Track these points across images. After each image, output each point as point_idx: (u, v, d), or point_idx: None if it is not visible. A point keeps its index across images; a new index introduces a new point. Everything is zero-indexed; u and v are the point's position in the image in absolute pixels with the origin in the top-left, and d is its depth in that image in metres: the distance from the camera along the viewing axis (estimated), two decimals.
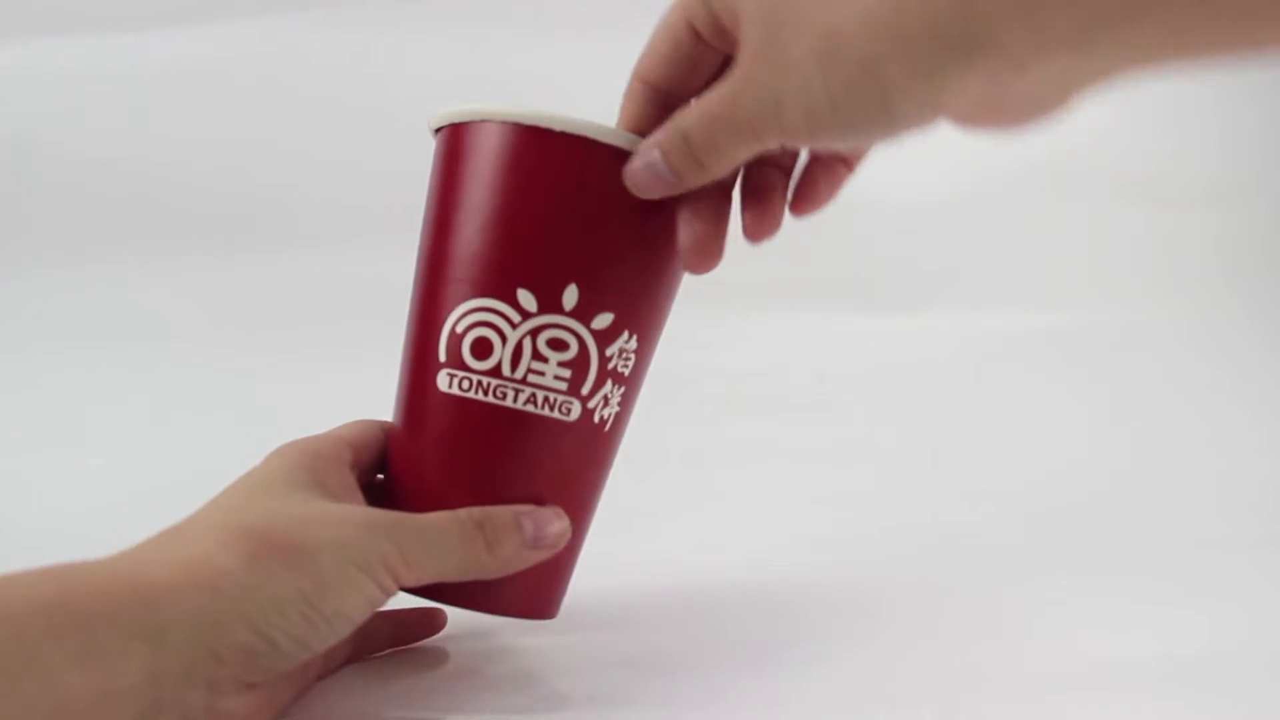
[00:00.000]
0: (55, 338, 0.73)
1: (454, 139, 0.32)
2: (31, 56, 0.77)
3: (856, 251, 0.81)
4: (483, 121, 0.31)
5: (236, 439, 0.65)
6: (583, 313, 0.31)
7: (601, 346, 0.31)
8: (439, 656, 0.37)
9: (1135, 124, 0.88)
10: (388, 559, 0.28)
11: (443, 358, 0.32)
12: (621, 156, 0.30)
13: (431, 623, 0.38)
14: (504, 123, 0.31)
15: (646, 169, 0.29)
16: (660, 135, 0.29)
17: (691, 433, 0.64)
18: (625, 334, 0.32)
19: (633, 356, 0.32)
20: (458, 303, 0.31)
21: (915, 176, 0.84)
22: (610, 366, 0.32)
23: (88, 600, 0.24)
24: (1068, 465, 0.63)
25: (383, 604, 0.29)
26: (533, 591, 0.33)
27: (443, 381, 0.32)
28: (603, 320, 0.31)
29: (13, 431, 0.67)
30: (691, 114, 0.28)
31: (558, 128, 0.30)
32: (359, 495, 0.32)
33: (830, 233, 0.82)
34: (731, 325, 0.77)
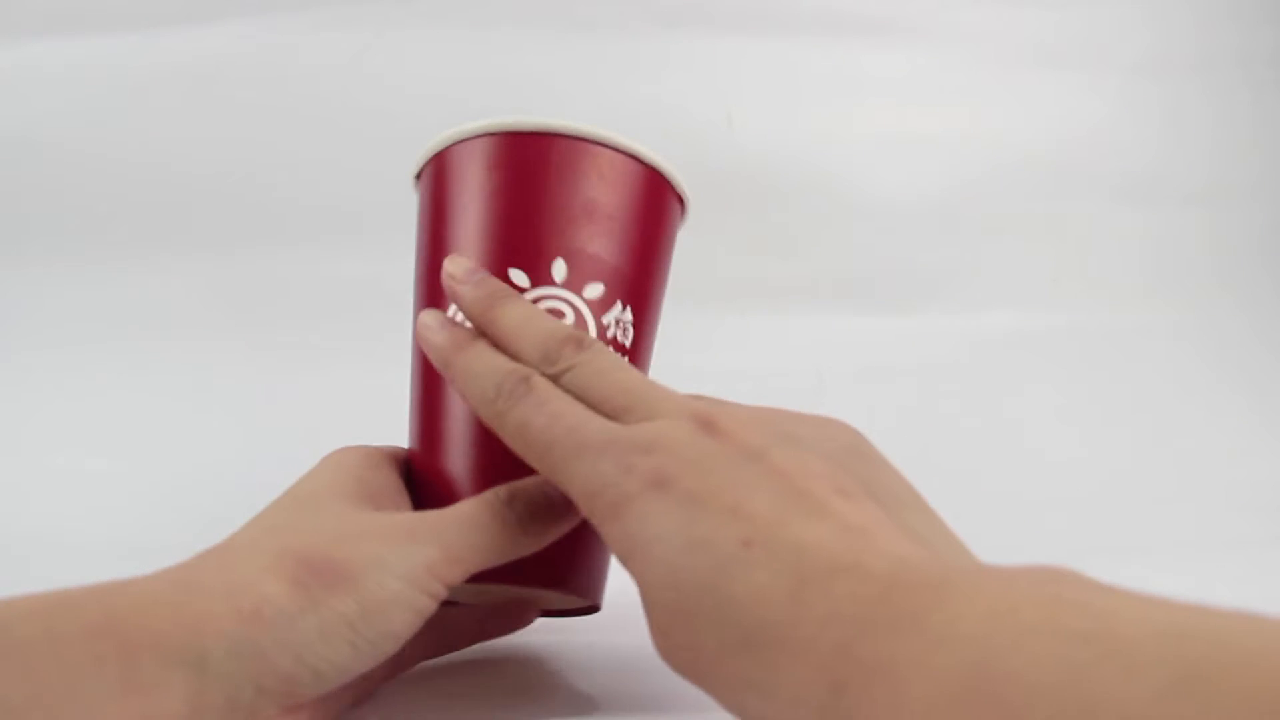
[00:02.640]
0: (55, 337, 0.73)
1: (434, 167, 0.35)
2: (31, 56, 0.77)
3: (856, 251, 0.81)
4: (458, 142, 0.34)
5: (237, 439, 0.65)
6: (574, 284, 0.32)
7: (597, 314, 0.33)
8: (451, 661, 0.37)
9: (1133, 125, 0.88)
10: (432, 564, 0.27)
11: None
12: (584, 143, 0.33)
13: (517, 617, 0.36)
14: (476, 137, 0.34)
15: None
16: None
17: None
18: (618, 304, 0.33)
19: (630, 328, 0.34)
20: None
21: (915, 176, 0.84)
22: (609, 335, 0.33)
23: (132, 627, 0.24)
24: (1065, 465, 0.63)
25: (431, 613, 0.28)
26: (569, 562, 0.33)
27: None
28: (594, 290, 0.33)
29: (12, 431, 0.67)
30: None
31: (526, 129, 0.33)
32: (405, 497, 0.32)
33: (830, 233, 0.82)
34: (731, 325, 0.77)
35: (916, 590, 0.20)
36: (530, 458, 0.27)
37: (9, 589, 0.25)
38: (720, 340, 0.75)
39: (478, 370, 0.29)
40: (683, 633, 0.23)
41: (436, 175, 0.35)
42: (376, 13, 0.79)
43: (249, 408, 0.68)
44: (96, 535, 0.51)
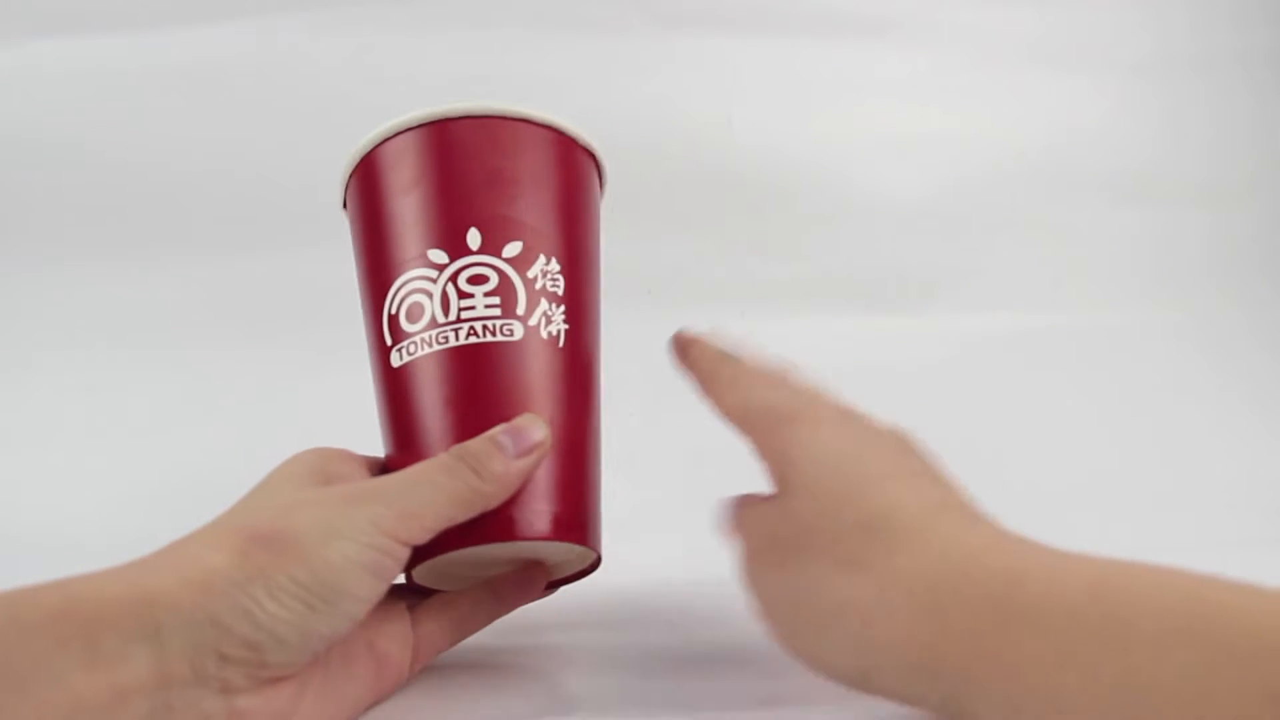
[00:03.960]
0: (54, 337, 0.73)
1: (349, 192, 0.37)
2: (31, 56, 0.77)
3: (856, 251, 0.81)
4: (357, 163, 0.36)
5: (236, 439, 0.65)
6: (491, 248, 0.34)
7: (520, 270, 0.34)
8: (458, 661, 0.37)
9: (1132, 124, 0.88)
10: (380, 521, 0.28)
11: (389, 340, 0.34)
12: (474, 120, 0.35)
13: (530, 585, 0.37)
14: (364, 155, 0.36)
15: None
16: None
17: (692, 433, 0.64)
18: (542, 258, 0.34)
19: (560, 277, 0.35)
20: (386, 291, 0.34)
21: (915, 176, 0.84)
22: (538, 287, 0.34)
23: (91, 607, 0.24)
24: (1065, 464, 0.63)
25: (392, 571, 0.28)
26: (556, 510, 0.33)
27: (395, 359, 0.34)
28: (512, 249, 0.34)
29: (12, 431, 0.67)
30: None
31: (412, 124, 0.35)
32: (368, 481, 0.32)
33: (830, 233, 0.82)
34: (731, 325, 0.77)
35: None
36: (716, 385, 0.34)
37: (7, 587, 0.25)
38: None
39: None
40: (811, 511, 0.27)
41: (352, 198, 0.37)
42: (376, 13, 0.79)
43: (249, 408, 0.68)
44: (96, 535, 0.51)
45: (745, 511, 0.30)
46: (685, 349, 0.36)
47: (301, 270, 0.75)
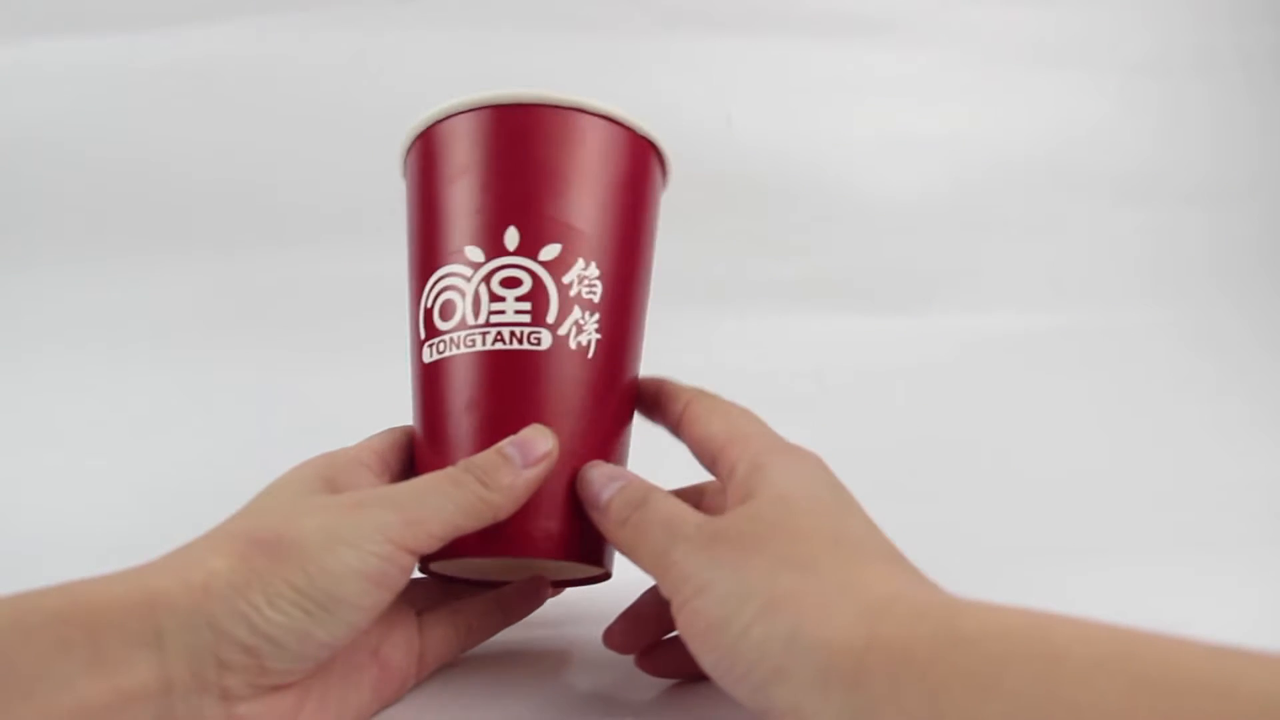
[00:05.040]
0: (54, 337, 0.73)
1: (407, 168, 0.36)
2: (31, 56, 0.77)
3: (856, 251, 0.81)
4: (409, 149, 0.36)
5: (238, 438, 0.65)
6: (527, 249, 0.32)
7: (556, 275, 0.32)
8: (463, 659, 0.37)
9: (1133, 125, 0.88)
10: (386, 528, 0.28)
11: (422, 335, 0.34)
12: (522, 109, 0.33)
13: (536, 594, 0.37)
14: (418, 135, 0.35)
15: (586, 489, 0.32)
16: (626, 491, 0.31)
17: None
18: (580, 262, 0.33)
19: (597, 284, 0.33)
20: (425, 283, 0.34)
21: (915, 176, 0.84)
22: (572, 294, 0.33)
23: (94, 610, 0.24)
24: (1064, 464, 0.63)
25: (397, 580, 0.28)
26: (570, 528, 0.32)
27: (426, 355, 0.34)
28: (549, 252, 0.33)
29: (12, 431, 0.67)
30: (658, 506, 0.30)
31: (460, 109, 0.34)
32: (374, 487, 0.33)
33: (830, 233, 0.82)
34: (732, 325, 0.77)
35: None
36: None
37: (7, 588, 0.25)
38: (720, 340, 0.75)
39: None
40: (780, 513, 0.27)
41: (408, 175, 0.36)
42: (376, 13, 0.79)
43: (249, 407, 0.68)
44: (96, 535, 0.51)
45: (680, 507, 0.29)
46: (656, 387, 0.36)
47: (303, 269, 0.75)
